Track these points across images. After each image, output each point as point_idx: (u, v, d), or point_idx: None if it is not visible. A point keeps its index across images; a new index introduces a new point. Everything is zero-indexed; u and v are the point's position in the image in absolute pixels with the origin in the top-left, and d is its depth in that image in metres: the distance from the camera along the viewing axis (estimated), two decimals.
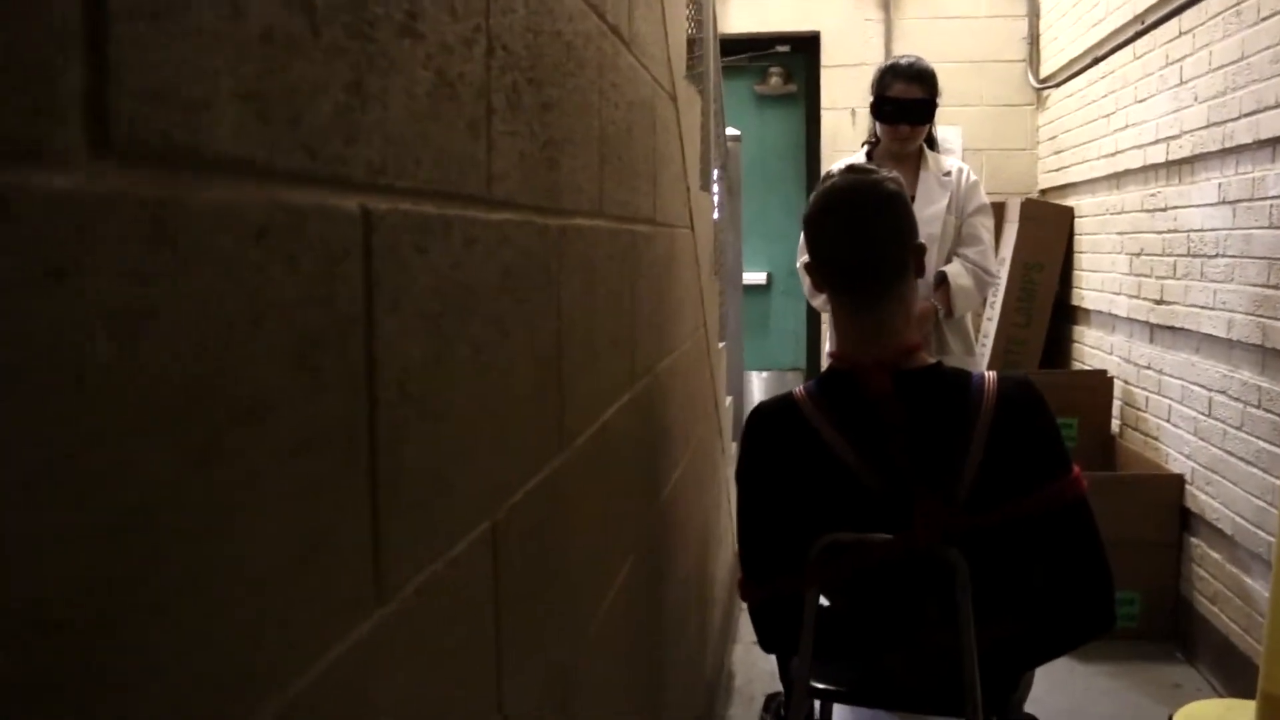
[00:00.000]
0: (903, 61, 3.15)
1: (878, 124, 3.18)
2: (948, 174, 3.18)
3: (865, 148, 3.30)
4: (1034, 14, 5.38)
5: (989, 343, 4.91)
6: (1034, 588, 1.69)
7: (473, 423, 0.78)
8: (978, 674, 1.56)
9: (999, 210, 5.10)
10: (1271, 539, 2.86)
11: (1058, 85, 5.00)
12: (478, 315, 0.80)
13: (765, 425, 1.75)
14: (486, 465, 0.81)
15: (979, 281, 3.13)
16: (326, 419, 0.56)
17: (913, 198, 3.08)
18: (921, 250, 1.74)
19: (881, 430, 1.65)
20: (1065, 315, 4.91)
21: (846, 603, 1.80)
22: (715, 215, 3.92)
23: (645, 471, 1.67)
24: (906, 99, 3.06)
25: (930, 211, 3.10)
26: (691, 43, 3.16)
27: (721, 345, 3.24)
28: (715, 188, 4.05)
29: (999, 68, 5.44)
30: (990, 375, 1.69)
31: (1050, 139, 5.20)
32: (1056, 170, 5.08)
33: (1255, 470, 2.97)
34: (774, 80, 5.73)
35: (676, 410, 2.03)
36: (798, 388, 1.76)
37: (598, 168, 1.25)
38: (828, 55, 5.56)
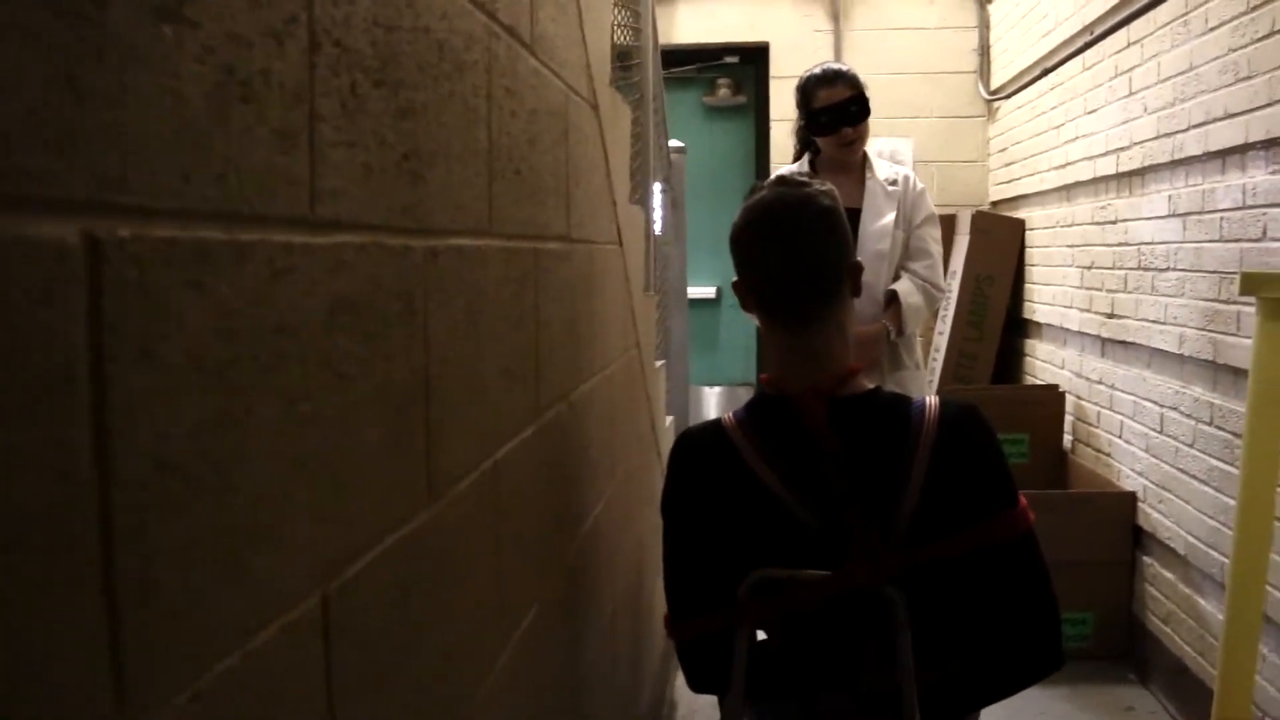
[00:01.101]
0: (819, 69, 3.04)
1: (818, 141, 3.06)
2: (894, 183, 3.06)
3: (807, 156, 3.17)
4: (984, 25, 5.34)
5: (940, 357, 4.84)
6: (978, 626, 1.59)
7: (283, 489, 0.65)
8: (918, 717, 1.45)
9: (950, 223, 5.04)
10: (1225, 560, 2.79)
11: (1008, 97, 4.95)
12: (294, 359, 0.67)
13: (692, 454, 1.64)
14: (307, 535, 0.69)
15: (928, 297, 3.03)
16: (34, 508, 0.43)
17: (858, 210, 2.98)
18: (858, 269, 1.64)
19: (816, 460, 1.53)
20: (1017, 329, 4.85)
21: (781, 640, 1.68)
22: (658, 229, 3.82)
23: (557, 509, 1.55)
24: (837, 102, 2.95)
25: (879, 225, 3.00)
26: (627, 52, 3.06)
27: (660, 364, 3.12)
28: (659, 200, 3.94)
29: (949, 79, 5.38)
30: (932, 401, 1.58)
31: (1001, 151, 5.15)
32: (1007, 182, 5.02)
33: (1208, 489, 2.90)
34: (723, 91, 5.64)
35: (599, 438, 1.91)
36: (727, 414, 1.65)
37: (486, 182, 1.13)
38: (777, 66, 5.48)
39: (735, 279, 1.66)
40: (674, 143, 4.01)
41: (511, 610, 1.25)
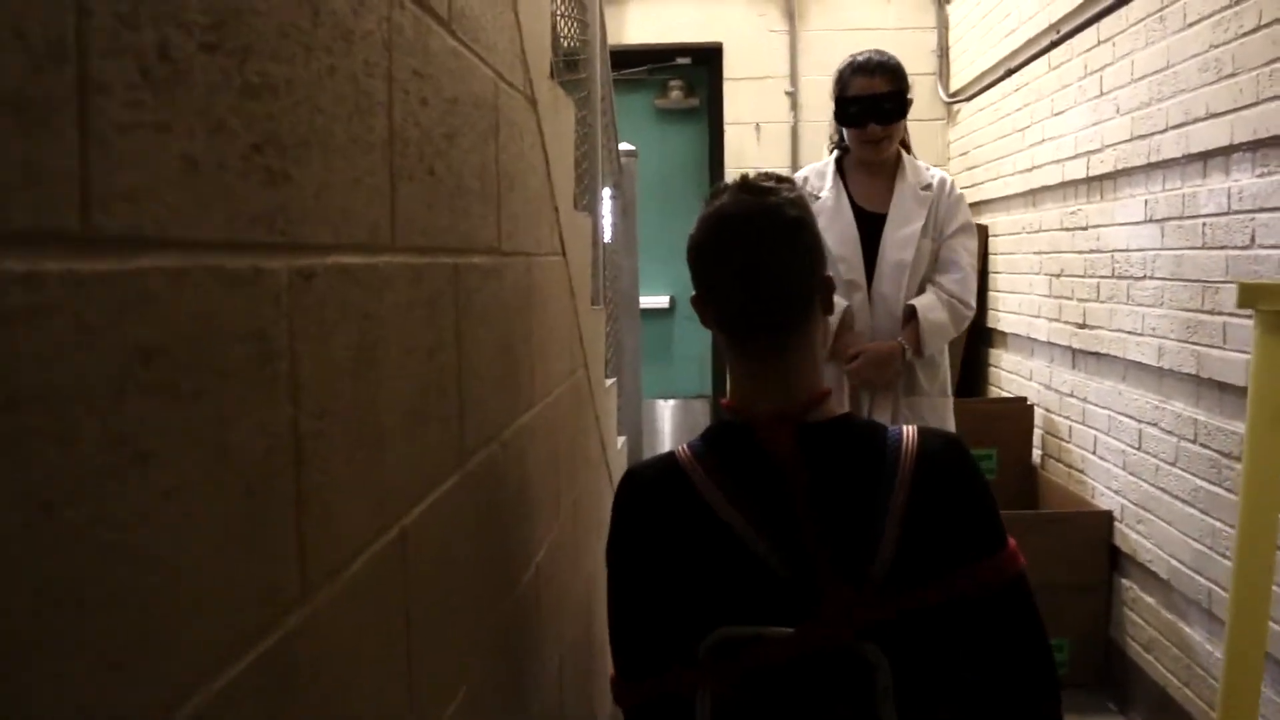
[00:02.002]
0: (861, 56, 2.77)
1: (844, 130, 2.79)
2: (927, 187, 2.78)
3: (834, 154, 2.94)
4: (943, 26, 5.20)
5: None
6: (964, 686, 1.39)
7: (38, 636, 0.43)
8: None
9: None
10: (1212, 586, 2.63)
11: (969, 99, 4.80)
12: (51, 440, 0.45)
13: (641, 494, 1.43)
14: (112, 687, 0.47)
15: (955, 315, 2.73)
16: None
17: (884, 216, 2.77)
18: (829, 285, 1.44)
19: (783, 496, 1.34)
20: (981, 338, 4.69)
21: (743, 701, 1.47)
22: (608, 237, 3.61)
23: (492, 563, 1.33)
24: (871, 94, 2.69)
25: (903, 234, 2.74)
26: (574, 52, 2.85)
27: (611, 382, 2.91)
28: (608, 207, 3.73)
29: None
30: (910, 431, 1.39)
31: (962, 154, 5.00)
32: (970, 187, 4.87)
33: (1192, 510, 2.74)
34: (674, 94, 5.45)
35: (542, 473, 1.69)
36: (681, 446, 1.44)
37: (386, 183, 0.91)
38: (730, 68, 5.30)
39: (694, 294, 1.46)
40: (624, 146, 3.80)
41: (433, 698, 1.03)
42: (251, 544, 0.64)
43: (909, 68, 5.23)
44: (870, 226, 2.76)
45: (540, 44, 1.72)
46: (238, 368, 0.63)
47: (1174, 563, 2.84)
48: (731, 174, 5.16)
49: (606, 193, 3.79)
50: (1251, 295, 1.95)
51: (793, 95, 5.26)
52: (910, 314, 2.71)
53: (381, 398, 0.89)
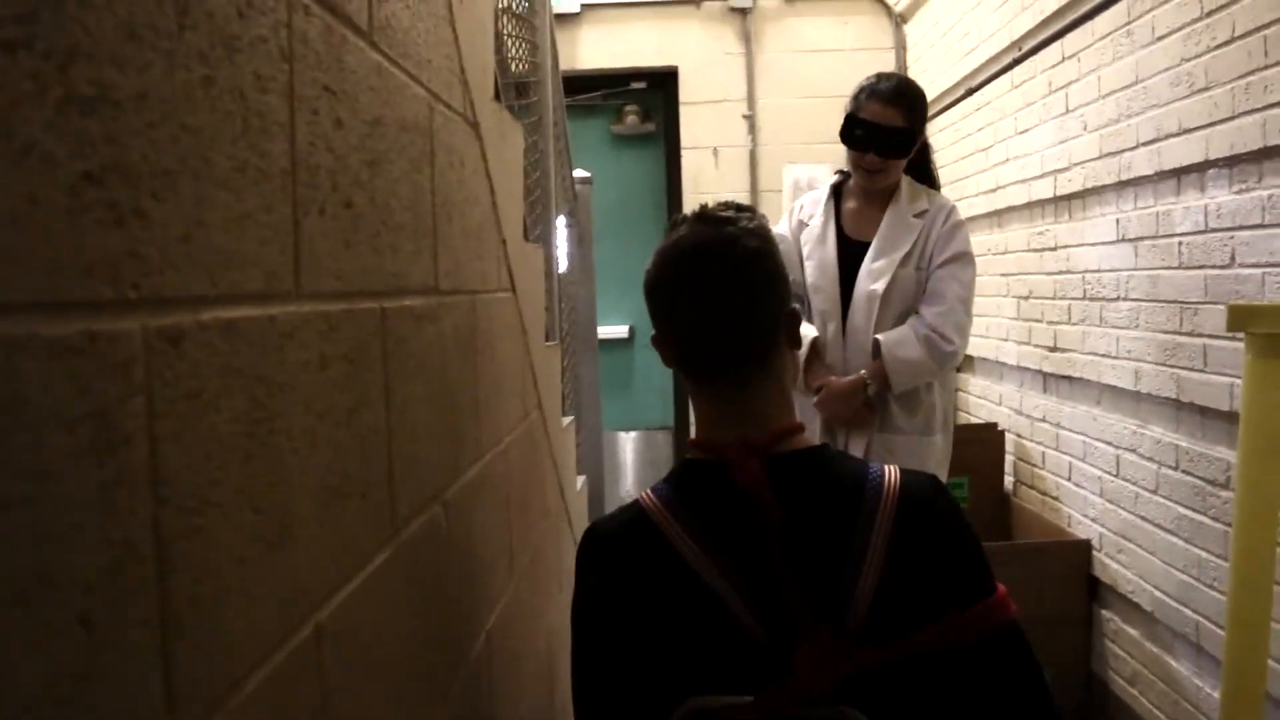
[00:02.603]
0: (884, 83, 2.60)
1: (846, 150, 2.66)
2: (920, 214, 2.62)
3: (836, 177, 2.81)
4: (901, 46, 5.13)
5: None
6: None
7: None
8: None
9: None
10: (1199, 619, 2.52)
11: (930, 119, 4.72)
12: None
13: (605, 553, 1.31)
14: None
15: (931, 349, 2.53)
16: None
17: (868, 244, 2.64)
18: (794, 318, 1.33)
19: (755, 533, 1.22)
20: None
21: None
22: (563, 268, 3.47)
23: (433, 641, 1.18)
24: (880, 124, 2.54)
25: (879, 264, 2.58)
26: (524, 78, 2.72)
27: (569, 420, 2.77)
28: (563, 236, 3.60)
29: None
30: (891, 470, 1.27)
31: None
32: None
33: (1175, 540, 2.63)
34: (630, 119, 5.34)
35: (493, 530, 1.54)
36: (646, 492, 1.31)
37: (289, 218, 0.77)
38: (687, 91, 5.20)
39: (653, 333, 1.34)
40: (579, 173, 3.68)
41: None
42: (88, 696, 0.49)
43: (854, 95, 5.19)
44: (854, 256, 2.63)
45: (482, 63, 1.59)
46: (64, 464, 0.48)
47: (1157, 594, 2.74)
48: (690, 200, 5.06)
49: (561, 221, 3.66)
50: (1242, 318, 1.85)
51: (750, 119, 5.17)
52: (878, 348, 2.57)
53: (284, 477, 0.75)
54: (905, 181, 2.66)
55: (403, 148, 1.10)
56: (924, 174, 2.71)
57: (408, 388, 1.09)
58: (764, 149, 5.18)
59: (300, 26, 0.81)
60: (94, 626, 0.50)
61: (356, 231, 0.93)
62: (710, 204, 1.34)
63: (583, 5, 5.10)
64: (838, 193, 2.76)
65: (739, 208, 1.33)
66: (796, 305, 1.34)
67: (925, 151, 2.73)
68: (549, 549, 2.23)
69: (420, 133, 1.18)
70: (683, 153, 5.19)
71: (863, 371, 2.57)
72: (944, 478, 2.71)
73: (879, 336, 2.56)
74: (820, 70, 5.13)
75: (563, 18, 5.09)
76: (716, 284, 1.26)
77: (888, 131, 2.54)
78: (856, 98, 2.61)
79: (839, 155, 5.12)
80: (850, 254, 2.63)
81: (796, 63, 5.14)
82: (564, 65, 5.16)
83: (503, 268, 1.72)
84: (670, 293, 1.29)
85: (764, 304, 1.28)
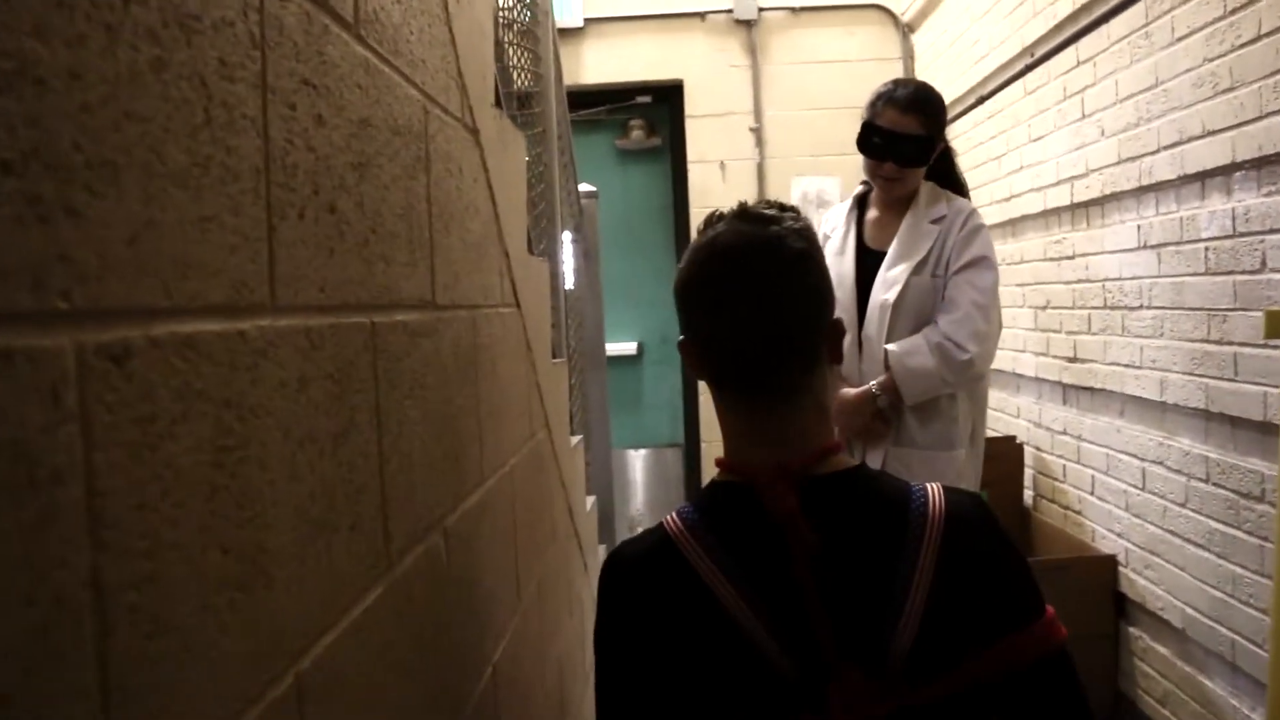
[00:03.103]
0: (900, 90, 2.52)
1: (864, 159, 2.57)
2: (938, 220, 2.52)
3: (861, 188, 2.72)
4: (908, 56, 5.07)
5: None
6: None
7: None
8: None
9: None
10: (1235, 637, 2.42)
11: None
12: None
13: (629, 580, 1.23)
14: None
15: (945, 359, 2.41)
16: None
17: (883, 252, 2.56)
18: (838, 330, 1.24)
19: (786, 563, 1.14)
20: None
21: None
22: (570, 283, 3.40)
23: (430, 690, 1.10)
24: (896, 131, 2.46)
25: (893, 273, 2.50)
26: (527, 95, 2.65)
27: (577, 440, 2.68)
28: (569, 251, 3.53)
29: None
30: (935, 490, 1.19)
31: None
32: None
33: (1208, 555, 2.54)
34: (636, 133, 5.27)
35: (497, 559, 1.46)
36: (670, 516, 1.23)
37: (262, 222, 0.69)
38: (692, 105, 5.13)
39: (681, 338, 1.25)
40: (585, 187, 3.61)
41: None
42: None
43: (870, 103, 5.12)
44: (872, 265, 2.55)
45: (482, 68, 1.52)
46: None
47: (1189, 611, 2.64)
48: (697, 215, 4.99)
49: (567, 236, 3.59)
50: None
51: (757, 131, 5.10)
52: (888, 358, 2.49)
53: (257, 511, 0.67)
54: (926, 187, 2.57)
55: (394, 151, 1.03)
56: (948, 179, 2.61)
57: (402, 409, 1.01)
58: (771, 162, 5.11)
59: (274, 12, 0.73)
60: (11, 703, 0.42)
61: (342, 239, 0.85)
62: (751, 203, 1.26)
63: (586, 20, 5.05)
64: (861, 202, 2.68)
65: (782, 206, 1.24)
66: (840, 315, 1.26)
67: (948, 156, 2.62)
68: (558, 573, 2.14)
69: (414, 136, 1.10)
70: (689, 167, 5.12)
71: (872, 383, 2.48)
72: None
73: (888, 346, 2.47)
74: (827, 81, 5.07)
75: (566, 32, 5.04)
76: (758, 287, 1.16)
77: (905, 139, 2.46)
78: (873, 105, 2.53)
79: (848, 167, 5.07)
80: (868, 264, 2.55)
81: (803, 74, 5.08)
82: (568, 80, 5.10)
83: (506, 282, 1.64)
84: (705, 295, 1.19)
85: (809, 312, 1.18)
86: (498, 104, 1.95)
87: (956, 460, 2.53)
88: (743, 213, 1.22)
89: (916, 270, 2.48)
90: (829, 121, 5.05)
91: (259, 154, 0.70)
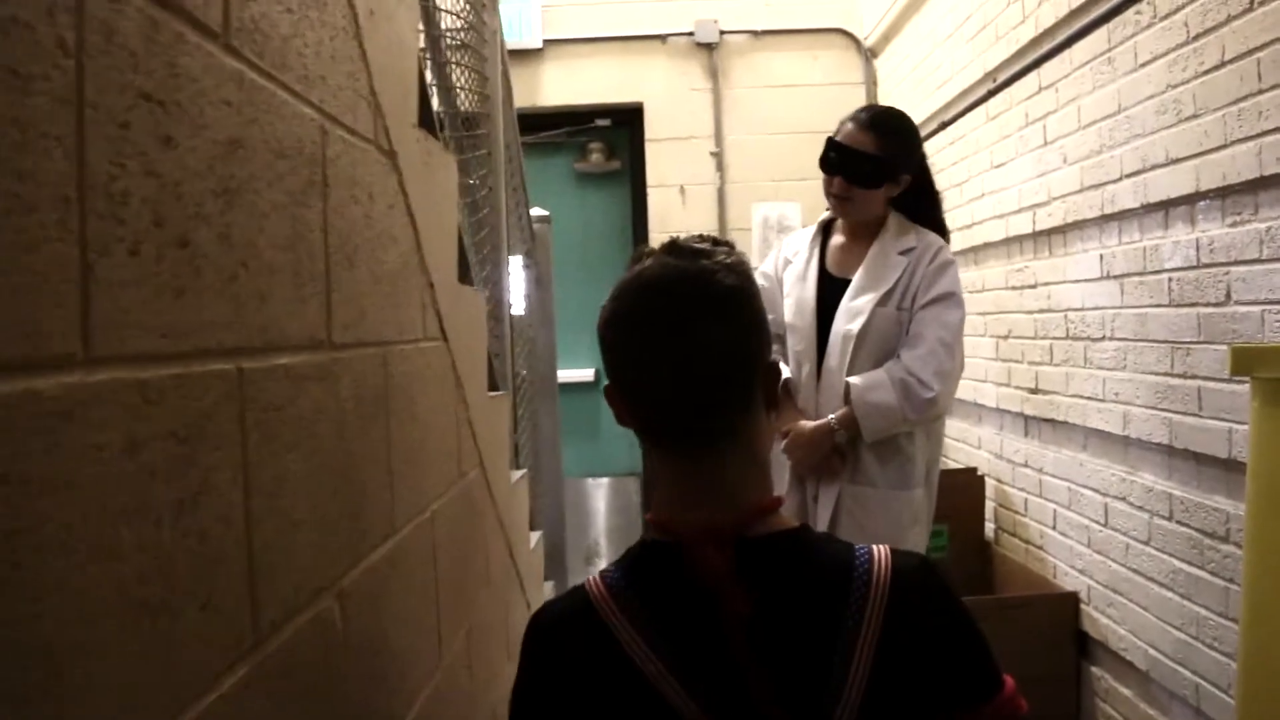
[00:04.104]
0: (864, 111, 2.47)
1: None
2: (906, 251, 2.43)
3: (827, 214, 2.63)
4: (871, 81, 5.02)
5: None
6: None
7: None
8: None
9: None
10: (1199, 680, 2.34)
11: None
12: None
13: (548, 645, 1.14)
14: None
15: (908, 395, 2.32)
16: None
17: (846, 280, 2.46)
18: (773, 372, 1.15)
19: (717, 633, 1.04)
20: None
21: None
22: (521, 310, 3.30)
23: None
24: (849, 147, 2.39)
25: (857, 303, 2.40)
26: (470, 117, 2.56)
27: (520, 474, 2.57)
28: (521, 277, 3.43)
29: None
30: (881, 553, 1.09)
31: None
32: None
33: (1170, 595, 2.46)
34: (595, 156, 5.19)
35: (409, 618, 1.35)
36: (593, 577, 1.13)
37: (70, 261, 0.58)
38: (652, 128, 5.06)
39: (607, 384, 1.15)
40: (537, 211, 3.51)
41: None
42: None
43: (837, 124, 5.06)
44: (835, 293, 2.45)
45: (402, 85, 1.41)
46: None
47: (1152, 652, 2.56)
48: (657, 239, 4.90)
49: (518, 261, 3.49)
50: (1247, 361, 1.69)
51: (718, 155, 5.03)
52: (849, 393, 2.39)
53: (56, 604, 0.56)
54: (894, 218, 2.49)
55: (278, 176, 0.92)
56: (921, 214, 2.51)
57: (281, 464, 0.90)
58: (732, 186, 5.04)
59: (99, 15, 0.63)
60: None
61: (198, 276, 0.75)
62: (682, 236, 1.16)
63: (545, 41, 4.97)
64: (826, 229, 2.60)
65: (715, 241, 1.14)
66: (776, 357, 1.16)
67: (930, 196, 2.52)
68: (494, 619, 2.03)
69: (306, 160, 1.00)
70: (649, 191, 5.04)
71: (831, 417, 2.39)
72: (925, 536, 2.53)
73: (850, 380, 2.38)
74: (789, 106, 5.01)
75: (525, 53, 4.96)
76: (685, 326, 1.06)
77: (856, 156, 2.39)
78: (841, 123, 2.48)
79: (809, 192, 5.00)
80: (831, 292, 2.46)
81: (765, 98, 5.02)
82: (526, 102, 5.02)
83: (430, 314, 1.53)
84: (630, 336, 1.09)
85: (741, 353, 1.08)
86: (429, 126, 1.85)
87: (914, 500, 2.45)
88: (671, 246, 1.12)
89: (882, 301, 2.40)
90: (791, 146, 4.98)
91: (70, 181, 0.59)
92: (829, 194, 2.47)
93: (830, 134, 2.47)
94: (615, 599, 1.08)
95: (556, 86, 5.02)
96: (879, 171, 2.40)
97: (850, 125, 2.42)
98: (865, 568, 1.06)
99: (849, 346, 2.38)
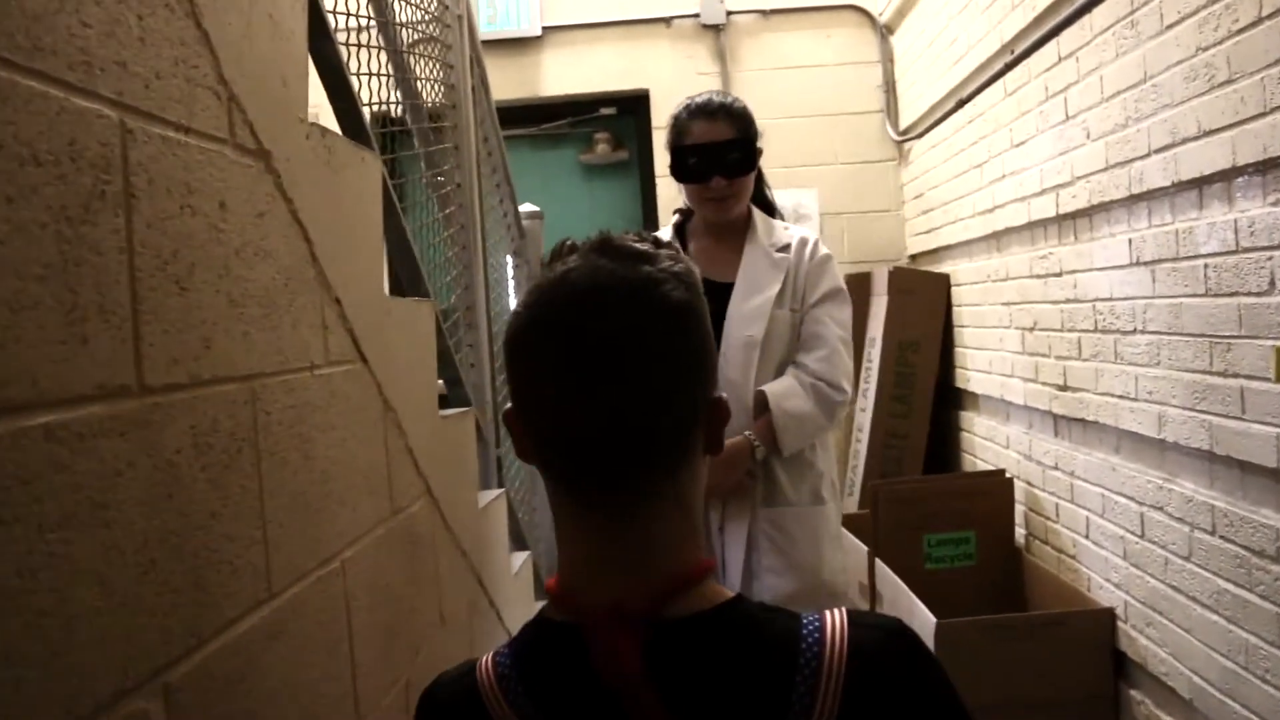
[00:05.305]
0: (700, 97, 2.32)
1: (683, 190, 2.34)
2: (784, 249, 2.30)
3: (676, 217, 2.48)
4: (887, 59, 4.76)
5: (865, 439, 4.17)
6: None
7: None
8: None
9: (864, 282, 4.41)
10: (1252, 717, 2.10)
11: (920, 136, 4.35)
12: None
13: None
14: None
15: (822, 401, 2.21)
16: None
17: (730, 285, 2.27)
18: (720, 411, 0.91)
19: None
20: (950, 399, 4.20)
21: None
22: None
23: None
24: (713, 142, 2.22)
25: (751, 306, 2.24)
26: (436, 115, 2.37)
27: (497, 493, 2.37)
28: (509, 275, 3.23)
29: (853, 120, 4.78)
30: (835, 621, 0.88)
31: (917, 197, 4.55)
32: (926, 232, 4.41)
33: (1216, 618, 2.22)
34: (601, 147, 4.98)
35: (302, 690, 1.16)
36: (485, 659, 0.93)
37: None
38: (659, 115, 4.83)
39: (508, 406, 0.93)
40: (527, 207, 3.31)
41: None
42: None
43: (853, 105, 4.81)
44: (717, 300, 2.24)
45: (279, 72, 1.22)
46: None
47: (1197, 679, 2.32)
48: (668, 233, 4.68)
49: (508, 261, 3.30)
50: None
51: None
52: (763, 403, 2.21)
53: None
54: (756, 213, 2.36)
55: (32, 187, 0.73)
56: (759, 200, 2.41)
57: (38, 548, 0.71)
58: None
59: None
60: None
61: None
62: (614, 232, 0.93)
63: (545, 28, 4.76)
64: (680, 234, 2.42)
65: (658, 241, 0.91)
66: (721, 392, 0.94)
67: (760, 176, 2.39)
68: (453, 656, 1.84)
69: (89, 165, 0.80)
70: (657, 181, 4.82)
71: (747, 432, 2.19)
72: (840, 552, 2.35)
73: (766, 389, 2.21)
74: (802, 88, 4.77)
75: (523, 41, 4.76)
76: (622, 351, 0.83)
77: (724, 147, 2.22)
78: (675, 129, 2.32)
79: (826, 178, 4.76)
80: (714, 298, 2.24)
81: (776, 81, 4.78)
82: (527, 93, 4.81)
83: (335, 335, 1.34)
84: (546, 355, 0.86)
85: (685, 387, 0.87)
86: (355, 121, 1.66)
87: (829, 515, 2.31)
88: (604, 244, 0.89)
89: (777, 303, 2.25)
90: (805, 130, 4.75)
91: None
92: (705, 200, 2.28)
93: (668, 143, 2.33)
94: (504, 692, 0.89)
95: (558, 75, 4.82)
96: (750, 154, 2.26)
97: (699, 122, 2.26)
98: (815, 648, 0.85)
99: (753, 354, 2.21)
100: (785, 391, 2.20)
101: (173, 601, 0.89)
